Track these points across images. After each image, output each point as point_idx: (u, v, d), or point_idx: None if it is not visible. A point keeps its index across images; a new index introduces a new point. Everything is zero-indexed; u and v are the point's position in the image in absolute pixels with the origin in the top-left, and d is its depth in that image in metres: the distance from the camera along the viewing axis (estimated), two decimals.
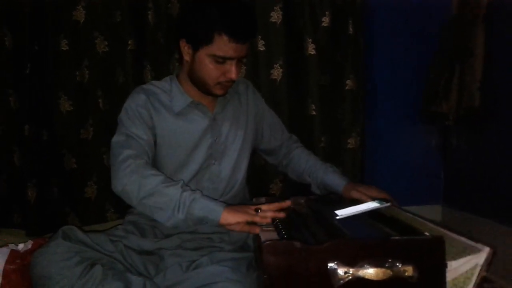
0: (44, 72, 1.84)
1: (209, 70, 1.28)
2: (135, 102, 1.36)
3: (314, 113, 1.97)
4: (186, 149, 1.38)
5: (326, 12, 1.94)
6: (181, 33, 1.32)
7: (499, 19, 1.77)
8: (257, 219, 1.13)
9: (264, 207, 1.17)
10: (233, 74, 1.28)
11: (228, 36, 1.23)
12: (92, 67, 1.88)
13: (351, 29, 1.97)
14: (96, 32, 1.88)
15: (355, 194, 1.38)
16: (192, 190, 1.21)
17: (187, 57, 1.33)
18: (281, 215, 1.13)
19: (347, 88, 1.99)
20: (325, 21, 1.95)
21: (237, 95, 1.52)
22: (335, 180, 1.49)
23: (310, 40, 1.94)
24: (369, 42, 2.07)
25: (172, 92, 1.40)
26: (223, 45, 1.24)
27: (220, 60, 1.26)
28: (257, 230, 1.11)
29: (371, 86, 2.11)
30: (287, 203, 1.16)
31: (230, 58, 1.26)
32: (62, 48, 1.85)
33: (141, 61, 1.89)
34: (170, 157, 1.38)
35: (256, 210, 1.16)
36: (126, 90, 1.85)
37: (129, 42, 1.87)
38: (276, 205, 1.18)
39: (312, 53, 1.94)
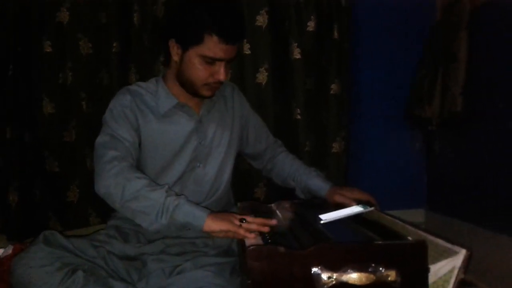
0: (27, 73, 1.82)
1: (198, 70, 1.28)
2: (120, 103, 1.34)
3: (299, 117, 1.97)
4: (171, 151, 1.37)
5: (312, 17, 1.95)
6: (170, 33, 1.31)
7: (482, 25, 1.80)
8: (241, 231, 1.10)
9: (249, 219, 1.14)
10: (221, 76, 1.28)
11: (218, 37, 1.22)
12: (75, 69, 1.86)
13: (336, 33, 1.98)
14: (80, 34, 1.86)
15: (338, 198, 1.39)
16: (177, 195, 1.19)
17: (175, 57, 1.31)
18: (265, 229, 1.10)
19: (331, 92, 2.00)
20: (311, 25, 1.96)
21: (223, 98, 1.51)
22: (319, 184, 1.49)
23: (296, 44, 1.94)
24: (354, 46, 2.08)
25: (157, 94, 1.39)
26: (213, 46, 1.23)
27: (209, 61, 1.26)
28: (251, 235, 1.09)
29: (356, 91, 2.12)
30: (273, 222, 1.13)
31: (219, 59, 1.26)
32: (46, 50, 1.83)
33: (126, 63, 1.88)
34: (154, 159, 1.37)
35: (241, 220, 1.13)
36: (110, 92, 1.83)
37: (114, 44, 1.85)
38: (261, 221, 1.13)
39: (297, 57, 1.95)
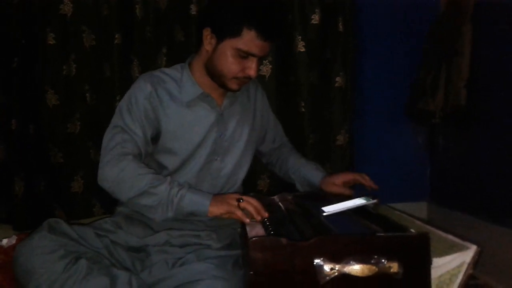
0: (31, 66, 1.82)
1: (230, 63, 1.26)
2: (140, 91, 1.31)
3: (303, 110, 1.97)
4: (191, 142, 1.34)
5: (316, 10, 1.94)
6: (207, 21, 1.28)
7: (486, 18, 1.79)
8: (238, 213, 1.14)
9: (245, 198, 1.18)
10: (252, 71, 1.26)
11: (256, 33, 1.21)
12: (79, 61, 1.86)
13: (340, 26, 1.98)
14: (83, 26, 1.85)
15: (335, 189, 1.41)
16: (179, 185, 1.19)
17: (208, 47, 1.29)
18: (265, 214, 1.15)
19: (336, 85, 2.00)
20: (315, 18, 1.95)
21: (247, 93, 1.50)
22: (312, 172, 1.51)
23: (300, 37, 1.94)
24: (358, 40, 2.07)
25: (182, 82, 1.35)
26: (249, 41, 1.22)
27: (243, 55, 1.24)
28: (246, 220, 1.13)
29: (360, 84, 2.12)
30: (265, 214, 1.16)
31: (254, 55, 1.24)
32: (49, 42, 1.82)
33: (129, 55, 1.87)
34: (175, 151, 1.34)
35: (238, 200, 1.16)
36: (113, 84, 1.84)
37: (116, 36, 1.85)
38: (258, 204, 1.17)
39: (301, 50, 1.94)
